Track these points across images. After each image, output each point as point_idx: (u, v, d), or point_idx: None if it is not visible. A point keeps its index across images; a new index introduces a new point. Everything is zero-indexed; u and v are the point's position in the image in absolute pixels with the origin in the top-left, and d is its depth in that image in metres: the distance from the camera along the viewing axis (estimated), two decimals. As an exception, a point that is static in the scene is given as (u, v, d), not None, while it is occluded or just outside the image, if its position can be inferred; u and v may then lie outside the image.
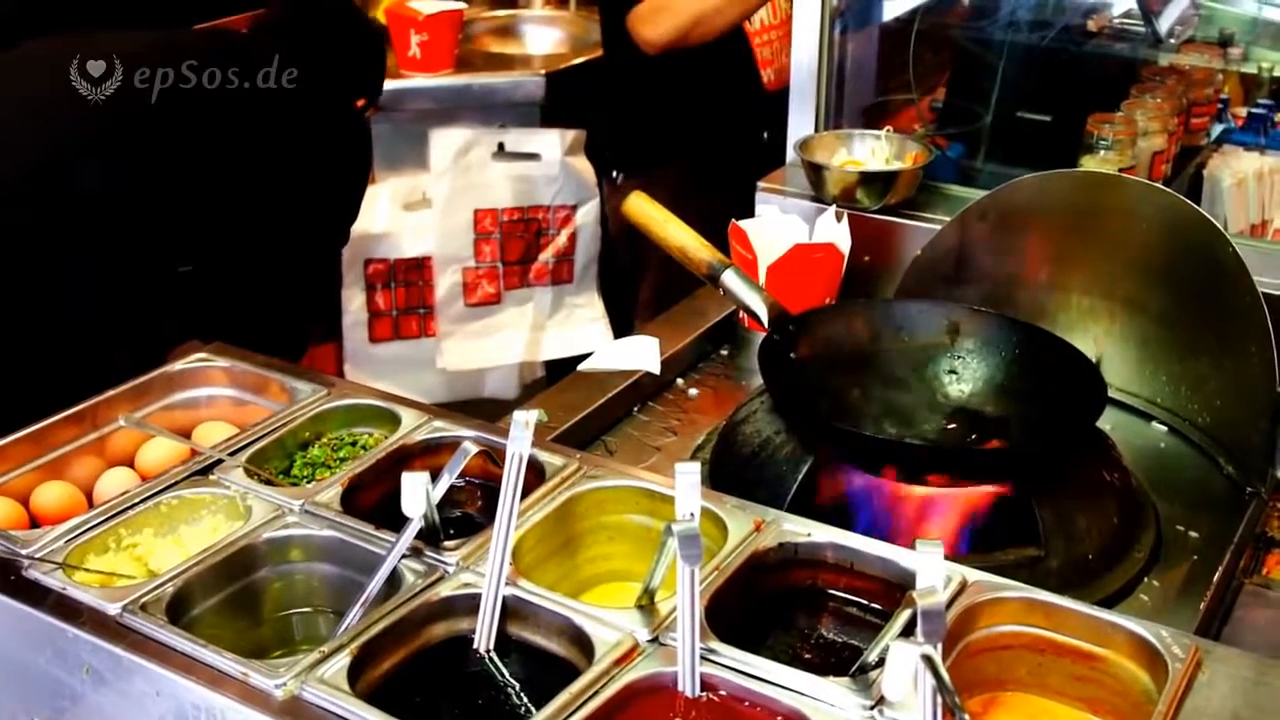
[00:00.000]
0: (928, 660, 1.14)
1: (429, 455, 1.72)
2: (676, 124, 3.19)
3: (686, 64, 3.11)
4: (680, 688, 1.31)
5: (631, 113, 3.28)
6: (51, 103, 1.97)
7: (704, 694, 1.31)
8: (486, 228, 3.50)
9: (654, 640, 1.38)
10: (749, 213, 2.48)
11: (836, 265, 2.29)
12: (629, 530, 1.63)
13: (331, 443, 1.79)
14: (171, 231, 2.13)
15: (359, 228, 3.30)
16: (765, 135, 3.02)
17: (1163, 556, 1.78)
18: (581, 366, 2.20)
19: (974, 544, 1.71)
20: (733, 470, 1.83)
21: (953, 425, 1.91)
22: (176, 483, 1.66)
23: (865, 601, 1.52)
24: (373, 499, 1.66)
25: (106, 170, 1.98)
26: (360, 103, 2.21)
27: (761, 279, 2.23)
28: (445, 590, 1.46)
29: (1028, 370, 1.91)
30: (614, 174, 3.39)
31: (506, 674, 1.41)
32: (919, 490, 1.70)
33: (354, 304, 3.45)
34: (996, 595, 1.44)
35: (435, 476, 1.50)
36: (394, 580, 1.47)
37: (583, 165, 3.51)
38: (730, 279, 2.01)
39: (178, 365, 1.91)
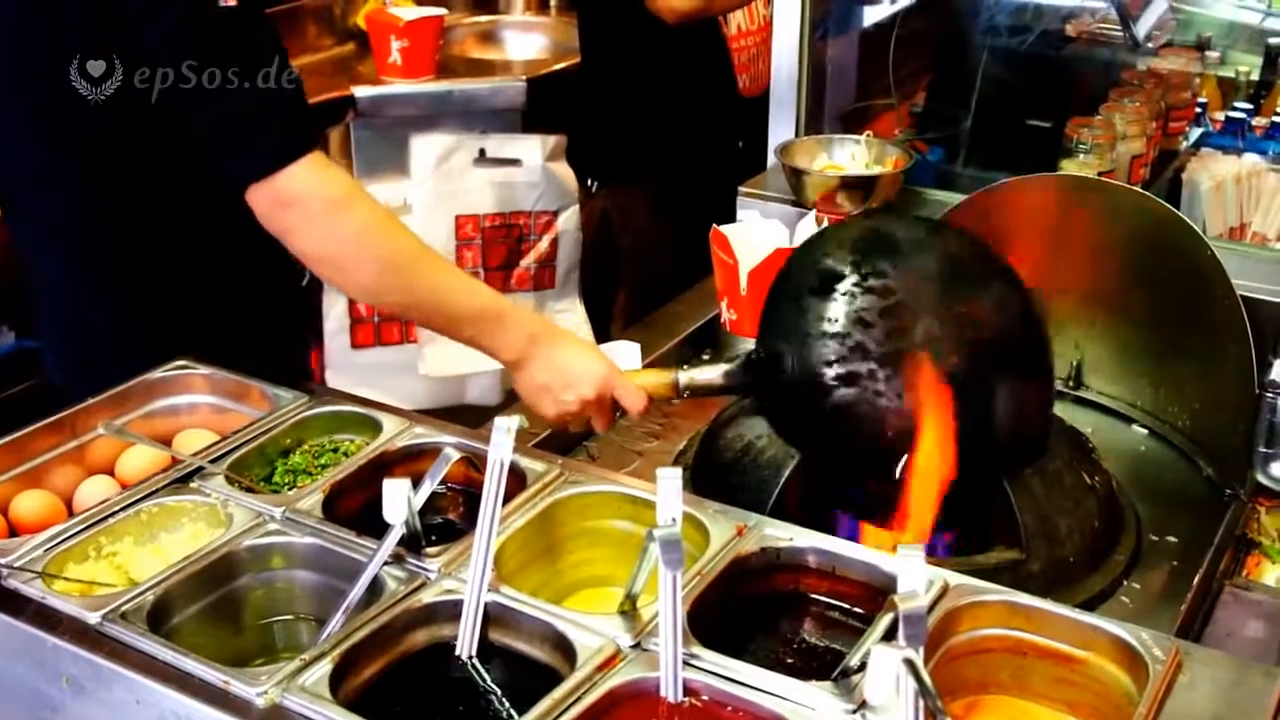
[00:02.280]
0: (910, 664, 1.14)
1: (410, 462, 1.72)
2: (651, 132, 3.19)
3: (664, 69, 3.11)
4: (663, 693, 1.31)
5: (606, 121, 3.28)
6: None
7: (686, 699, 1.31)
8: (468, 234, 3.49)
9: (636, 646, 1.38)
10: (728, 218, 2.48)
11: (817, 270, 2.29)
12: (611, 536, 1.63)
13: (313, 449, 1.79)
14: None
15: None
16: (740, 143, 3.02)
17: (1143, 559, 1.79)
18: (563, 372, 2.19)
19: (955, 548, 1.71)
20: (715, 475, 1.83)
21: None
22: (157, 490, 1.65)
23: (847, 606, 1.52)
24: (354, 506, 1.66)
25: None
26: None
27: (743, 284, 2.23)
28: (427, 597, 1.45)
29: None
30: (589, 182, 3.39)
31: (489, 680, 1.41)
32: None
33: (335, 310, 3.44)
34: (978, 599, 1.44)
35: (417, 483, 1.50)
36: (376, 587, 1.47)
37: (564, 171, 3.50)
38: (687, 378, 1.85)
39: (157, 373, 1.90)
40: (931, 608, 1.40)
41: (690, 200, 2.74)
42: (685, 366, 1.86)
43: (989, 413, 1.67)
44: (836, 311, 1.67)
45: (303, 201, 1.77)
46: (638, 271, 3.32)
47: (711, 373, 1.84)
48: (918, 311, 1.66)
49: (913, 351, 1.64)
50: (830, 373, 1.67)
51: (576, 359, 1.83)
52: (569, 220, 3.57)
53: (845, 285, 1.68)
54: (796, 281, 1.77)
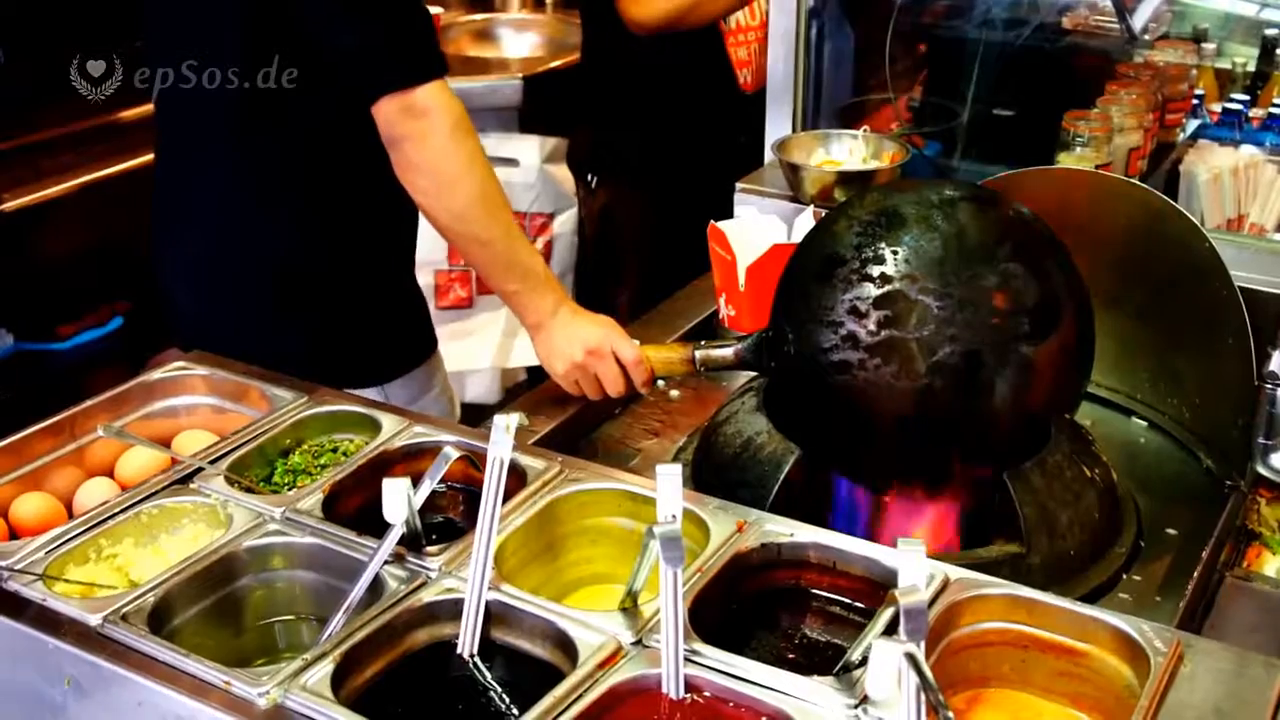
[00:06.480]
0: (911, 658, 1.14)
1: (410, 461, 1.72)
2: (652, 129, 3.19)
3: (663, 67, 3.11)
4: (665, 690, 1.31)
5: (606, 118, 3.28)
6: None
7: (688, 695, 1.31)
8: (463, 234, 3.48)
9: (638, 643, 1.38)
10: (727, 214, 2.48)
11: (815, 265, 2.28)
12: (611, 533, 1.63)
13: (312, 449, 1.79)
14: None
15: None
16: (741, 139, 3.02)
17: (1144, 551, 1.79)
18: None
19: (956, 541, 1.71)
20: (715, 471, 1.83)
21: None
22: (156, 492, 1.65)
23: (848, 600, 1.52)
24: (354, 505, 1.66)
25: None
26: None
27: (741, 279, 2.23)
28: (428, 596, 1.46)
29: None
30: (589, 178, 3.39)
31: (490, 679, 1.41)
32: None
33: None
34: (979, 592, 1.44)
35: (416, 482, 1.50)
36: (376, 586, 1.47)
37: (563, 174, 3.50)
38: (703, 354, 1.99)
39: (156, 374, 1.90)
40: (932, 602, 1.40)
41: (692, 199, 2.73)
42: (701, 343, 1.98)
43: (978, 409, 1.66)
44: (831, 299, 1.67)
45: (435, 115, 1.94)
46: (640, 270, 3.32)
47: (725, 350, 1.95)
48: (912, 303, 1.62)
49: (904, 341, 1.62)
50: (825, 360, 1.67)
51: (586, 324, 2.05)
52: (565, 224, 3.56)
53: (842, 272, 1.67)
54: (804, 262, 1.80)
